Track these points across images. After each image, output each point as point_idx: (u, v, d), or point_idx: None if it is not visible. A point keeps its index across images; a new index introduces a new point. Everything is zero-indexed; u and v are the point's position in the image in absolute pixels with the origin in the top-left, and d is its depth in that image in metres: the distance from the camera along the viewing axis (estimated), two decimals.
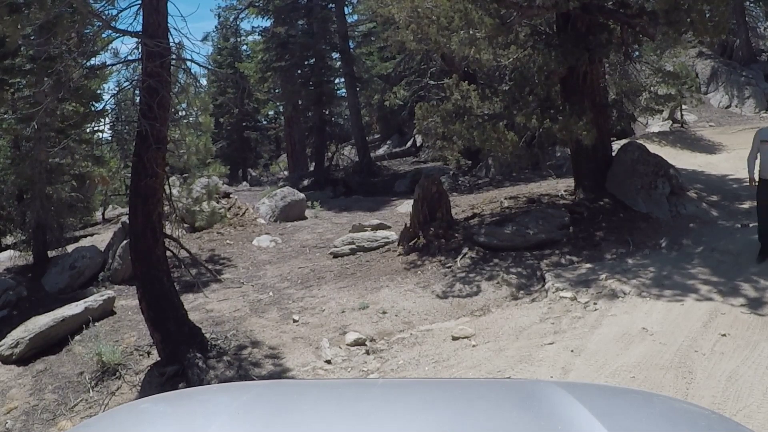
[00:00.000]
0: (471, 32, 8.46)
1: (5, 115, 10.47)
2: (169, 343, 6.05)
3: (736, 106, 19.39)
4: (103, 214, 16.56)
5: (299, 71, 20.08)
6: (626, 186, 9.27)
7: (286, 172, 23.07)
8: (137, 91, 6.52)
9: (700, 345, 4.98)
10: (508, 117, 8.81)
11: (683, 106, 17.25)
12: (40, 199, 10.05)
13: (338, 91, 22.04)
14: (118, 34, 6.13)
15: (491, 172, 15.53)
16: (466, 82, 9.38)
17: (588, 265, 7.47)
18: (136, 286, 6.38)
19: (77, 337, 7.06)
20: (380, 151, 23.53)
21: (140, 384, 6.04)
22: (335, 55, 20.81)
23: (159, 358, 6.25)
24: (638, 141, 11.54)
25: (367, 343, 6.26)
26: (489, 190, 13.43)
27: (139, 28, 5.88)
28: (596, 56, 8.96)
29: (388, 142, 24.65)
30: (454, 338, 5.95)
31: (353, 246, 9.41)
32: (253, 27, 75.20)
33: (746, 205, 9.40)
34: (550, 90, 9.08)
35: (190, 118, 9.09)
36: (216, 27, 28.88)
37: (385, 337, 6.40)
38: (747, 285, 6.22)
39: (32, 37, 8.71)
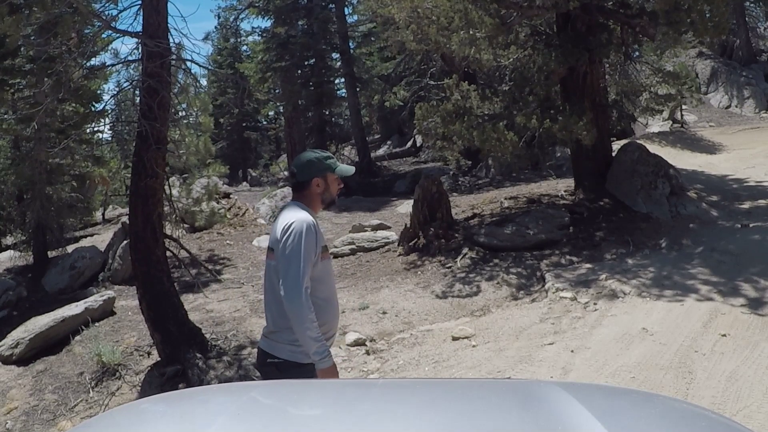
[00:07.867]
0: (471, 32, 8.46)
1: (5, 115, 10.48)
2: (169, 344, 6.05)
3: (736, 107, 19.39)
4: (103, 214, 16.56)
5: (299, 71, 20.07)
6: (626, 186, 9.27)
7: (286, 173, 23.06)
8: (137, 92, 6.52)
9: (700, 345, 4.98)
10: (508, 117, 8.81)
11: (683, 107, 17.24)
12: (40, 200, 10.06)
13: (338, 92, 22.07)
14: (118, 35, 6.14)
15: (491, 173, 15.53)
16: (466, 82, 9.39)
17: (588, 266, 7.47)
18: (136, 287, 6.38)
19: (77, 338, 7.06)
20: (380, 152, 23.53)
21: (140, 384, 6.04)
22: (335, 55, 20.82)
23: (159, 359, 6.24)
24: (638, 141, 11.54)
25: (367, 343, 6.25)
26: (489, 191, 13.42)
27: (139, 28, 5.88)
28: (596, 56, 8.96)
29: (388, 142, 24.65)
30: (454, 338, 5.95)
31: (353, 246, 9.41)
32: (253, 27, 75.57)
33: (746, 205, 9.40)
34: (550, 90, 9.08)
35: (190, 119, 9.11)
36: (216, 27, 28.92)
37: (385, 337, 6.39)
38: (747, 285, 6.21)
39: (32, 37, 8.70)
